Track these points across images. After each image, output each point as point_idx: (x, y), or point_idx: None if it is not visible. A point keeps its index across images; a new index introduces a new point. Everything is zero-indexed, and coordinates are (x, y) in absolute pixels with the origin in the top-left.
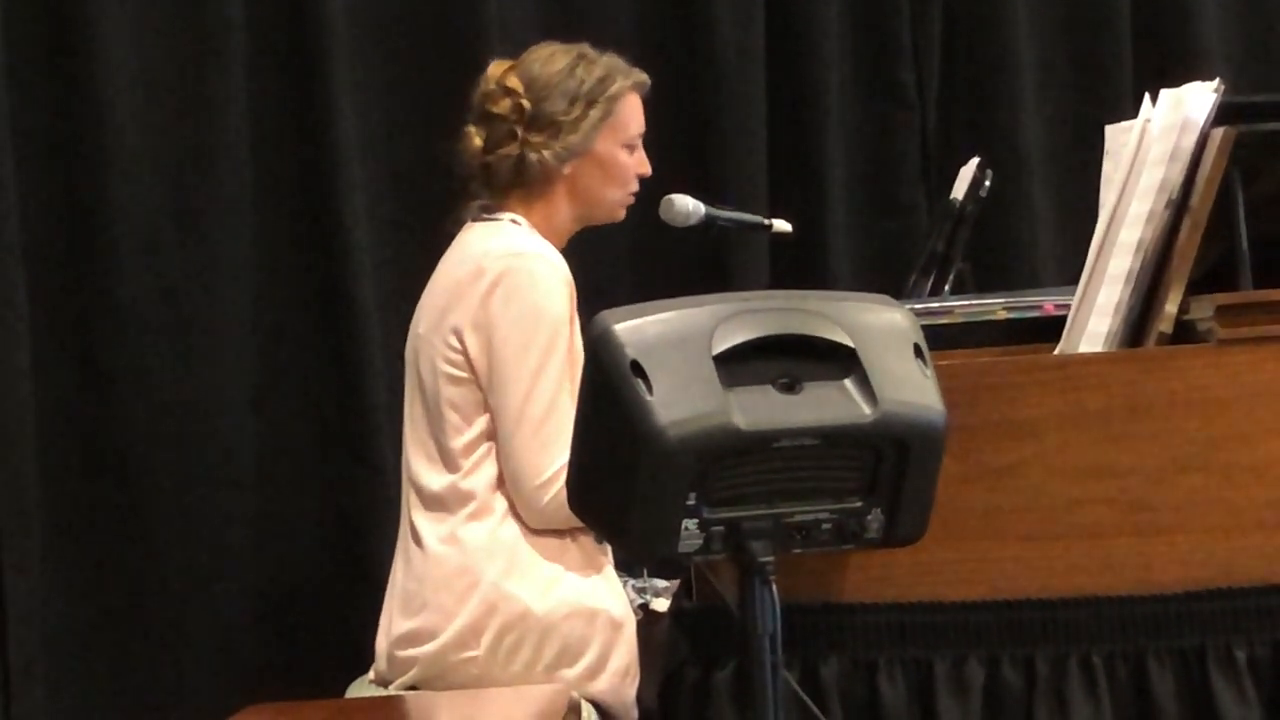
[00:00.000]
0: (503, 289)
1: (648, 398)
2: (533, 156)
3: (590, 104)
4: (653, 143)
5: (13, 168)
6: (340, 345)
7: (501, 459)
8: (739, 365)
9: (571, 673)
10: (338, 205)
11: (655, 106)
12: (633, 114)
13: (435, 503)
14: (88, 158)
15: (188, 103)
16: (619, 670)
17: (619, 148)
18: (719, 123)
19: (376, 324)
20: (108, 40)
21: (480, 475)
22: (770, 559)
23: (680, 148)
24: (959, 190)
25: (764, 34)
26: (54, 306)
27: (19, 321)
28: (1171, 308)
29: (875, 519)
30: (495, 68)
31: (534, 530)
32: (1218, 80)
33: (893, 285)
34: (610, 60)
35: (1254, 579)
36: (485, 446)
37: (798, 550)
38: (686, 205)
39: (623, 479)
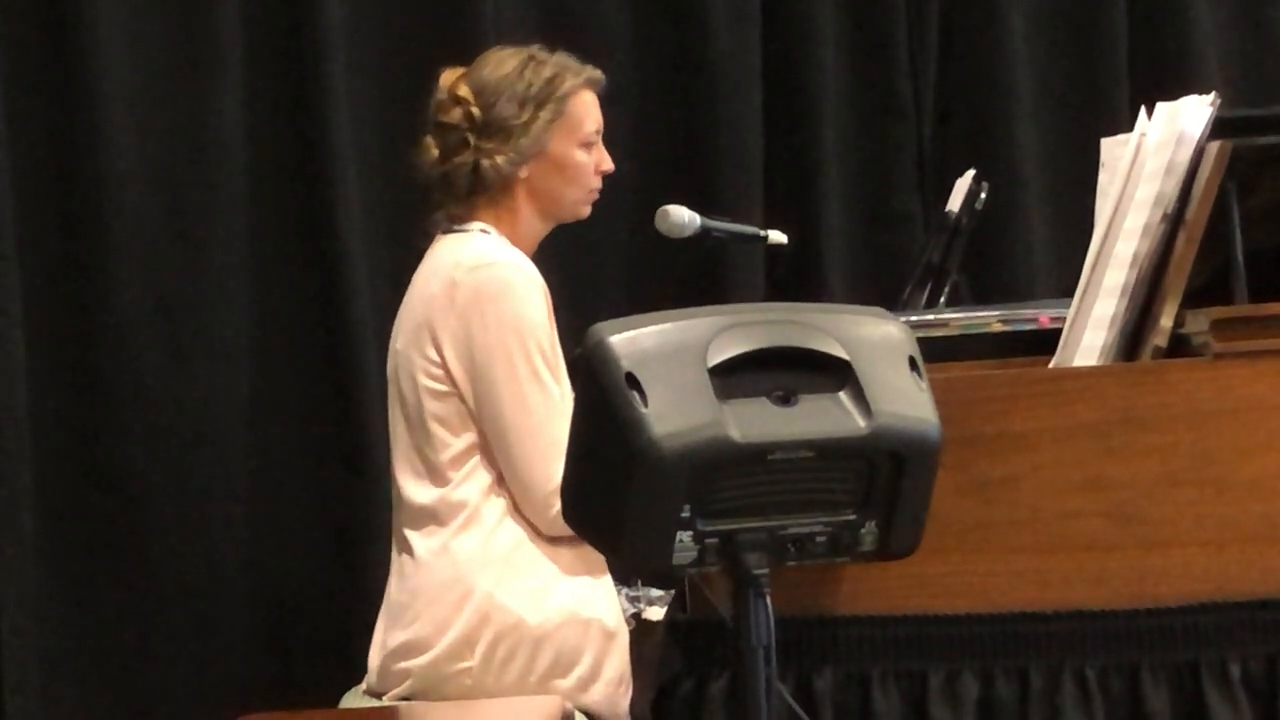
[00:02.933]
0: (477, 300)
1: (642, 410)
2: (486, 163)
3: (540, 105)
4: (648, 153)
5: (9, 177)
6: (335, 356)
7: (507, 472)
8: (734, 378)
9: (565, 683)
10: (333, 216)
11: (650, 116)
12: (586, 112)
13: (426, 516)
14: (84, 167)
15: (184, 113)
16: (613, 680)
17: (575, 147)
18: (714, 133)
19: (371, 335)
20: (104, 50)
21: (471, 485)
22: (765, 571)
23: (676, 158)
24: (954, 202)
25: (760, 43)
26: (50, 316)
27: (15, 330)
28: (1167, 321)
29: (870, 532)
30: (447, 76)
31: (527, 539)
32: (1213, 94)
33: (888, 297)
34: (560, 59)
35: (1248, 593)
36: (475, 458)
37: (792, 563)
38: (682, 216)
39: (617, 491)
